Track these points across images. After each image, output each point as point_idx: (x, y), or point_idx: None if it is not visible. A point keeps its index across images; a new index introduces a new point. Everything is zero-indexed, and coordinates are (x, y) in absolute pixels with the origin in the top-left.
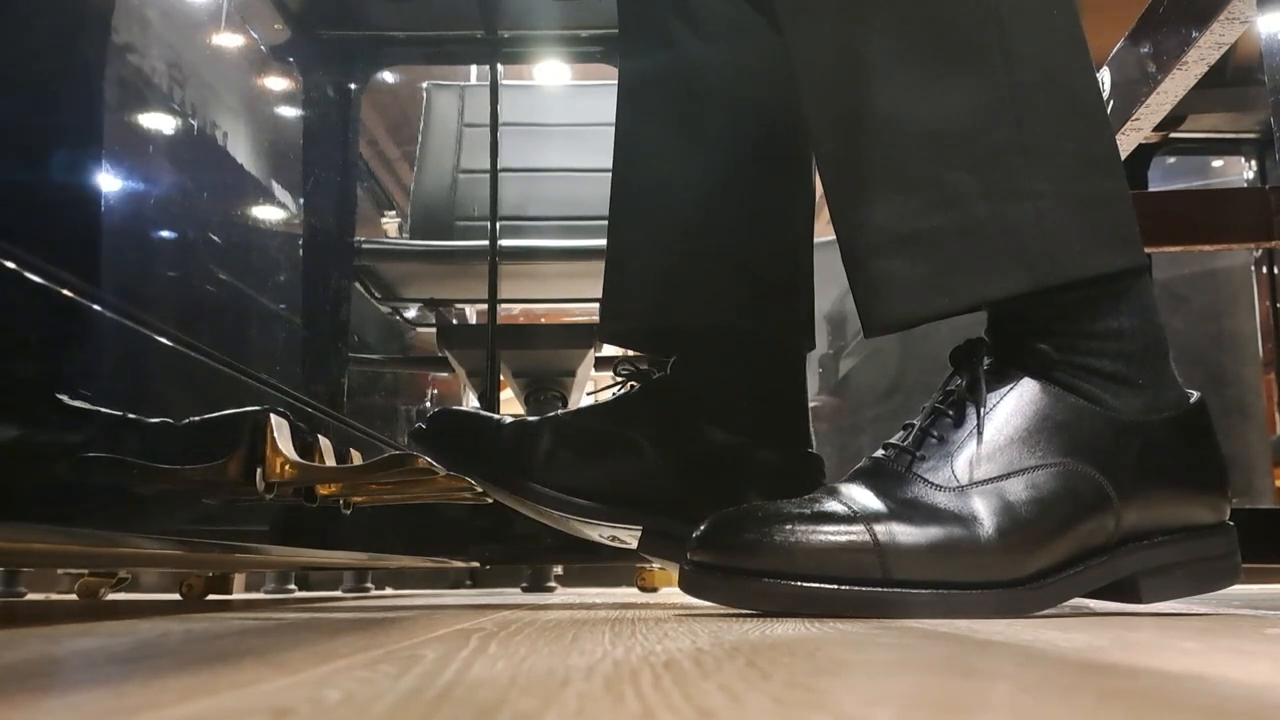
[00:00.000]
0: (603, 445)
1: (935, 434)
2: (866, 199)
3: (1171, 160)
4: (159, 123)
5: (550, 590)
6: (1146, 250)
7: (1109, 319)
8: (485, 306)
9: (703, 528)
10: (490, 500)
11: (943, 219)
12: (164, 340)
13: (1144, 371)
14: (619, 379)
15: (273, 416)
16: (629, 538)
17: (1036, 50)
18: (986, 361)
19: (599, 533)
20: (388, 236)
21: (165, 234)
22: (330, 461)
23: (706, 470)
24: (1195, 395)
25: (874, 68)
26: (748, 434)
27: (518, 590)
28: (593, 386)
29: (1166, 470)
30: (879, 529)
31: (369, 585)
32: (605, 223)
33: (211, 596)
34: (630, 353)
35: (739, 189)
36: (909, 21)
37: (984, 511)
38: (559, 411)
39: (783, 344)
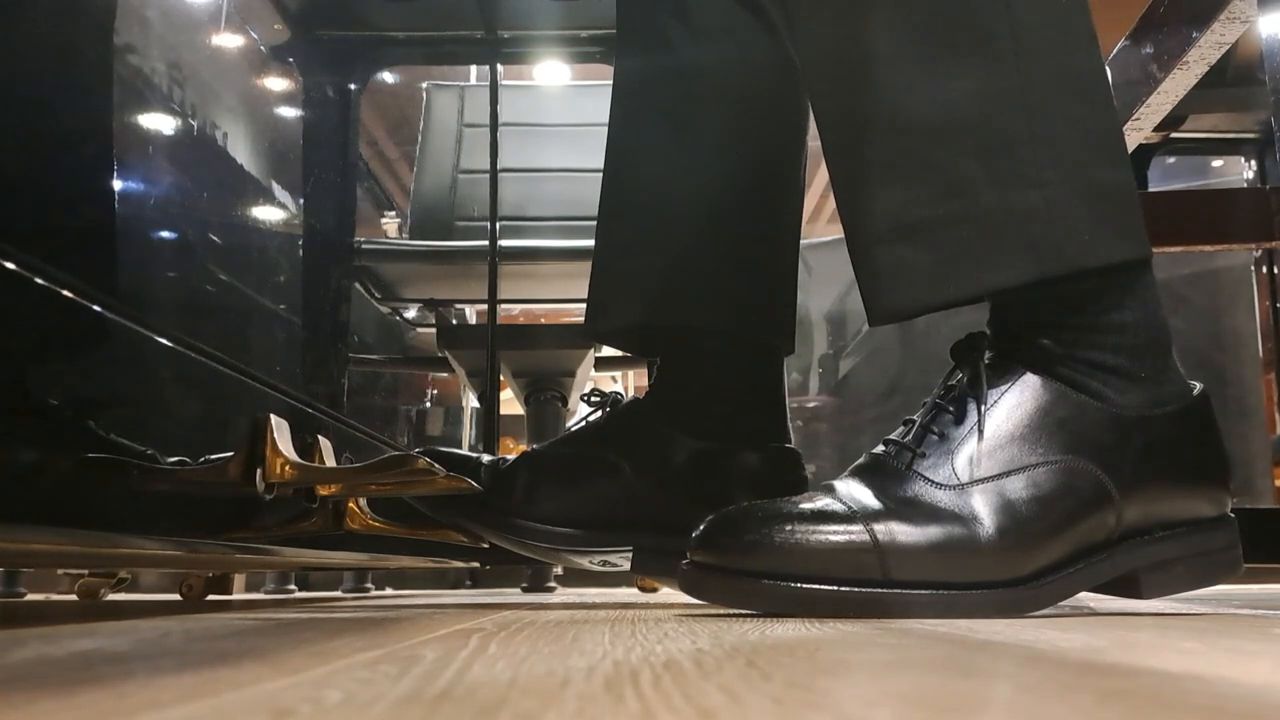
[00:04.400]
0: (580, 470)
1: (936, 430)
2: (872, 187)
3: (1171, 160)
4: (159, 123)
5: (550, 590)
6: None
7: (1112, 312)
8: (485, 307)
9: (702, 528)
10: (487, 544)
11: (949, 207)
12: (163, 340)
13: (1146, 365)
14: (591, 407)
15: (273, 417)
16: (621, 560)
17: (1045, 40)
18: (987, 356)
19: (590, 560)
20: (388, 236)
21: (165, 234)
22: (330, 462)
23: (687, 480)
24: (1198, 387)
25: (881, 56)
26: (725, 437)
27: (518, 590)
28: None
29: (1168, 466)
30: (878, 528)
31: (369, 585)
32: None
33: (211, 596)
34: (621, 353)
35: (728, 190)
36: (917, 9)
37: (984, 510)
38: (533, 447)
39: (762, 346)
